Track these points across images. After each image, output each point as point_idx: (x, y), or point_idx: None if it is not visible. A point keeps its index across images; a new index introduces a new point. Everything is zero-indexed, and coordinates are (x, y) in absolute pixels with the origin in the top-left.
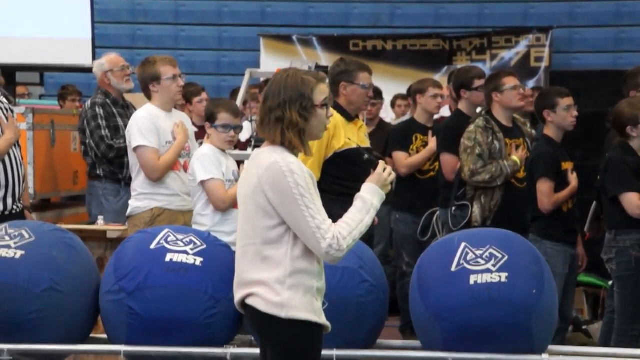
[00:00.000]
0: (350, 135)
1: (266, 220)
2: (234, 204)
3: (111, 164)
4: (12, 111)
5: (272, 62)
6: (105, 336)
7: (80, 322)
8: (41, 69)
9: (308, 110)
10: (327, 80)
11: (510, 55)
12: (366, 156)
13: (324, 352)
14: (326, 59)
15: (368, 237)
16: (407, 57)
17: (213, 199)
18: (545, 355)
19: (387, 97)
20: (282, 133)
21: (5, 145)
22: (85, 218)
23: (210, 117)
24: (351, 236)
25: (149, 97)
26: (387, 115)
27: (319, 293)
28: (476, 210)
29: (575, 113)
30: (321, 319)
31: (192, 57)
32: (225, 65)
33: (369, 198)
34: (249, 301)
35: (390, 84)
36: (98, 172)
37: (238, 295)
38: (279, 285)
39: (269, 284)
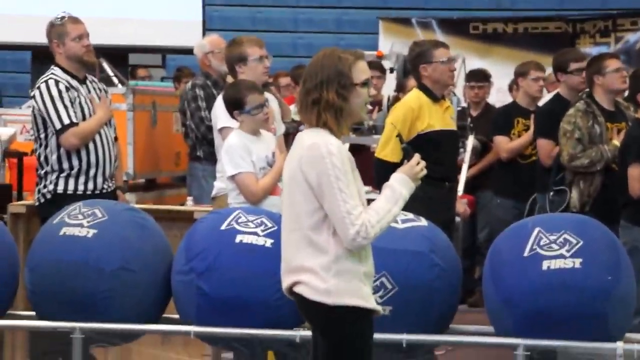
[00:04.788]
0: (435, 118)
1: (307, 204)
2: (269, 192)
3: (211, 145)
4: (105, 92)
5: (390, 45)
6: (177, 316)
7: (152, 302)
8: (156, 51)
9: (347, 88)
10: (365, 58)
11: (635, 38)
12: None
13: (394, 337)
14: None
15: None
16: (528, 40)
17: (244, 193)
18: (619, 343)
19: (506, 81)
20: (317, 115)
21: (96, 123)
22: (186, 199)
23: (238, 104)
24: (379, 225)
25: (235, 77)
26: (506, 99)
27: (366, 277)
28: (574, 195)
29: None
30: (370, 302)
31: (311, 40)
32: (344, 48)
33: (399, 188)
34: (297, 289)
35: (510, 67)
36: (198, 153)
37: (285, 282)
38: (325, 272)
39: (315, 271)
